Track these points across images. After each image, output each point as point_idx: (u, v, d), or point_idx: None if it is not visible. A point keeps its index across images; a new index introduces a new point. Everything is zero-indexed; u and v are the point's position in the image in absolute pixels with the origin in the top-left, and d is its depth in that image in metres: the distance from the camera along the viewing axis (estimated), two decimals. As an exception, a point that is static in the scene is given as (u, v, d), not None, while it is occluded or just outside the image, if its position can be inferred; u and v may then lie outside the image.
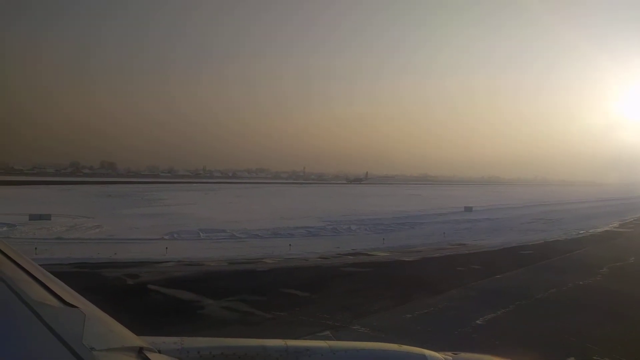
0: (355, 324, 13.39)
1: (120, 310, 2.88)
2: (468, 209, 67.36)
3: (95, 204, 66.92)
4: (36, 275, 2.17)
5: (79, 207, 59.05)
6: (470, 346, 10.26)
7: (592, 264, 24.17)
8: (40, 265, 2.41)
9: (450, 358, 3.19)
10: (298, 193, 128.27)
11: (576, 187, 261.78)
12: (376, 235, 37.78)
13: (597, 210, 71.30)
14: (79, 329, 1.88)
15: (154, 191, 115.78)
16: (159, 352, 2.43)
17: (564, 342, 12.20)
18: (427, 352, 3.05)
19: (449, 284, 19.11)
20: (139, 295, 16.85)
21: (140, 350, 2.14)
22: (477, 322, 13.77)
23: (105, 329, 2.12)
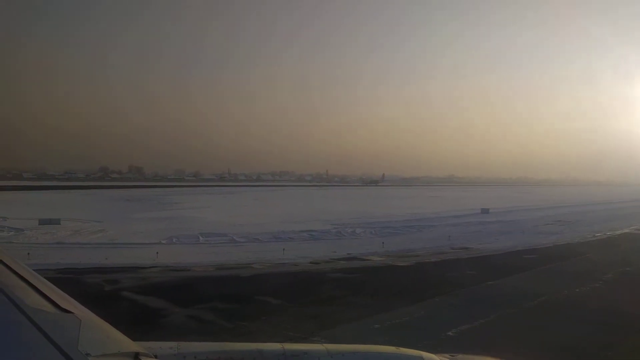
0: (316, 336, 12.67)
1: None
2: (485, 211, 65.62)
3: (111, 208, 67.99)
4: (31, 281, 2.14)
5: (94, 211, 60.01)
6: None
7: (596, 269, 22.75)
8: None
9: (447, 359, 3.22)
10: (315, 196, 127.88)
11: (608, 188, 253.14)
12: (380, 238, 36.85)
13: (622, 212, 68.26)
14: (74, 335, 1.88)
15: (174, 195, 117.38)
16: (155, 357, 2.43)
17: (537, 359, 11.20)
18: (425, 355, 3.04)
19: (434, 291, 18.17)
20: (108, 302, 16.49)
21: (136, 356, 2.14)
22: (449, 333, 12.88)
23: (101, 334, 2.12)
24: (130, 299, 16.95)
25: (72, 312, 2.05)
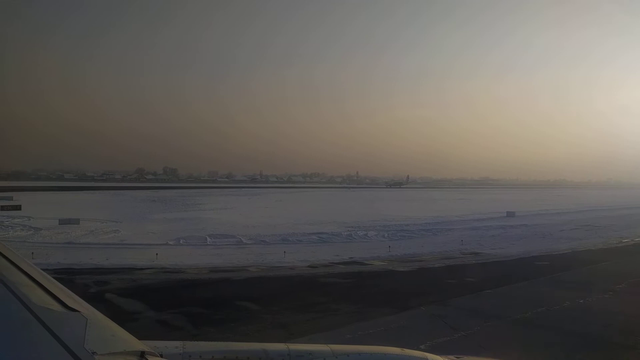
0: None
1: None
2: (511, 214, 63.39)
3: (134, 209, 69.45)
4: (38, 280, 2.15)
5: (116, 211, 61.45)
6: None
7: (610, 278, 21.14)
8: None
9: None
10: (339, 197, 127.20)
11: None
12: (390, 242, 35.92)
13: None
14: (81, 333, 1.89)
15: (201, 196, 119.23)
16: (161, 356, 2.44)
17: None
18: (430, 356, 3.05)
19: (424, 299, 17.23)
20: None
21: (142, 355, 2.16)
22: (421, 346, 12.01)
23: (107, 333, 2.13)
24: (110, 301, 16.80)
25: (79, 311, 2.07)
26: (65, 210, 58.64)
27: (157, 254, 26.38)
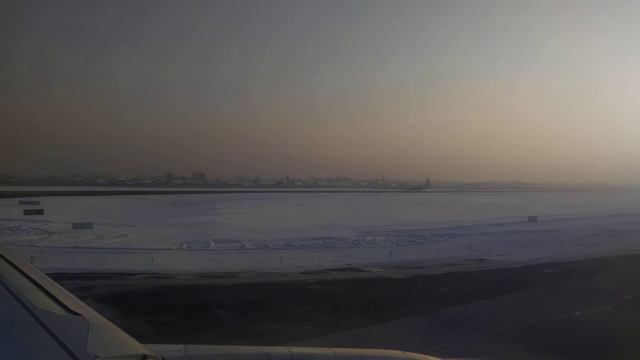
0: None
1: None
2: (533, 219, 61.16)
3: (151, 213, 70.37)
4: (40, 283, 2.14)
5: (133, 216, 62.26)
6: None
7: (618, 288, 19.73)
8: None
9: None
10: (361, 202, 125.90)
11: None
12: (397, 247, 34.98)
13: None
14: (83, 337, 1.89)
15: (223, 200, 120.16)
16: (163, 359, 2.47)
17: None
18: (432, 359, 3.01)
19: (408, 309, 16.42)
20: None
21: (144, 358, 2.17)
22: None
23: (110, 336, 2.14)
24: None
25: (81, 315, 2.05)
26: (85, 215, 59.99)
27: (152, 259, 26.32)
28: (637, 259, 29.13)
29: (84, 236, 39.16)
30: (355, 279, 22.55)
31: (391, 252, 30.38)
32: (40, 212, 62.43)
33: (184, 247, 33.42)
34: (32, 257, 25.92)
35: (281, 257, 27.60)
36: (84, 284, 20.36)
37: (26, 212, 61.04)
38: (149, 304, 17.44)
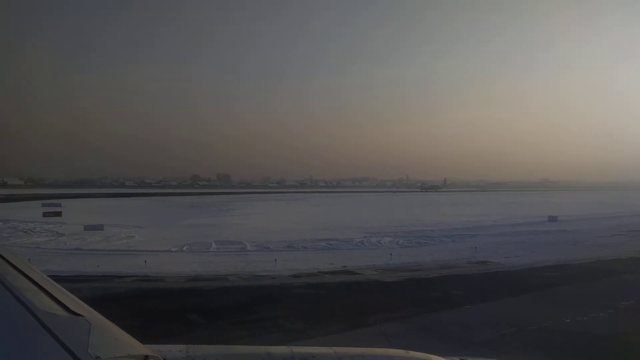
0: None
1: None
2: (552, 219, 59.01)
3: (167, 215, 71.19)
4: (42, 284, 2.15)
5: (147, 217, 63.06)
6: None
7: (620, 293, 18.46)
8: None
9: None
10: (380, 202, 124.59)
11: None
12: (401, 249, 34.14)
13: None
14: (84, 338, 1.89)
15: (241, 201, 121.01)
16: None
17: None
18: (434, 357, 3.04)
19: (387, 315, 15.68)
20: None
21: (145, 359, 2.17)
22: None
23: (111, 337, 2.13)
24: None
25: (82, 315, 2.06)
26: (102, 217, 61.09)
27: (145, 261, 26.28)
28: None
29: (92, 238, 39.64)
30: (345, 282, 21.88)
31: (390, 254, 29.51)
32: (58, 214, 63.79)
33: (184, 248, 33.35)
34: (29, 259, 26.34)
35: (275, 260, 27.13)
36: (69, 286, 20.01)
37: (45, 215, 62.45)
38: (125, 307, 17.17)
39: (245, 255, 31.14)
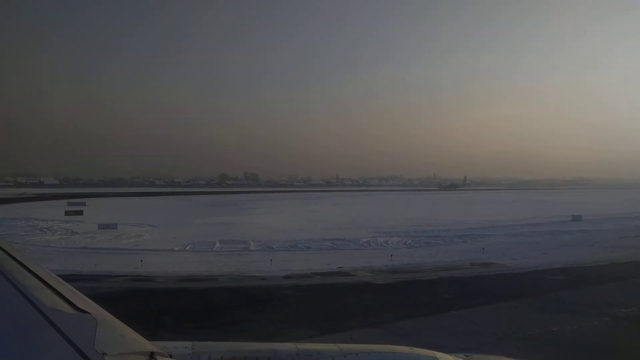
0: None
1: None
2: (576, 218, 56.66)
3: (184, 214, 71.90)
4: (48, 281, 2.17)
5: (164, 216, 63.74)
6: None
7: (623, 300, 17.13)
8: None
9: None
10: (401, 201, 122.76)
11: None
12: (407, 249, 33.32)
13: None
14: (91, 335, 1.91)
15: (262, 200, 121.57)
16: (170, 356, 2.48)
17: None
18: (439, 355, 3.02)
19: (366, 320, 15.01)
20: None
21: (151, 355, 2.20)
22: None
23: (117, 334, 2.15)
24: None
25: (89, 312, 2.07)
26: (120, 215, 62.21)
27: (141, 260, 26.32)
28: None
29: (102, 237, 40.27)
30: (334, 284, 21.23)
31: (391, 255, 28.67)
32: (79, 213, 65.43)
33: (187, 248, 33.37)
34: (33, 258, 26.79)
35: (271, 260, 26.72)
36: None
37: (67, 213, 64.23)
38: (105, 307, 17.09)
39: (246, 255, 30.89)
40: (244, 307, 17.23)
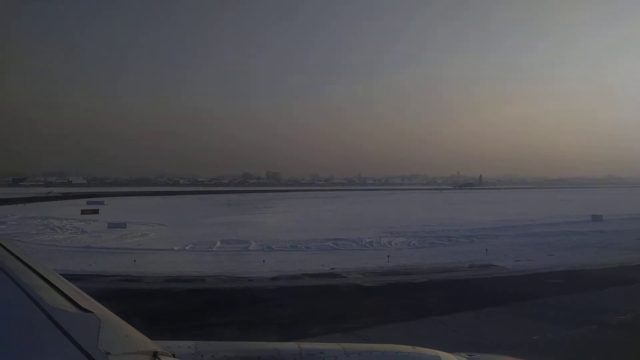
0: None
1: None
2: (596, 218, 54.56)
3: (197, 213, 72.39)
4: (52, 281, 2.18)
5: (175, 216, 64.36)
6: None
7: (620, 306, 16.07)
8: None
9: (465, 359, 3.22)
10: (418, 200, 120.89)
11: None
12: (409, 250, 32.47)
13: None
14: (94, 334, 1.93)
15: (278, 199, 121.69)
16: (174, 356, 2.51)
17: None
18: (442, 354, 3.03)
19: (336, 326, 14.34)
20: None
21: (155, 355, 2.20)
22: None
23: (121, 333, 2.16)
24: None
25: (92, 312, 2.08)
26: (133, 215, 63.21)
27: (134, 260, 26.32)
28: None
29: (109, 236, 40.68)
30: (319, 286, 20.63)
31: (388, 256, 27.88)
32: (96, 212, 66.63)
33: (187, 248, 33.27)
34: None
35: (264, 261, 26.33)
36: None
37: (83, 212, 65.47)
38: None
39: (243, 255, 30.57)
40: (219, 309, 16.83)
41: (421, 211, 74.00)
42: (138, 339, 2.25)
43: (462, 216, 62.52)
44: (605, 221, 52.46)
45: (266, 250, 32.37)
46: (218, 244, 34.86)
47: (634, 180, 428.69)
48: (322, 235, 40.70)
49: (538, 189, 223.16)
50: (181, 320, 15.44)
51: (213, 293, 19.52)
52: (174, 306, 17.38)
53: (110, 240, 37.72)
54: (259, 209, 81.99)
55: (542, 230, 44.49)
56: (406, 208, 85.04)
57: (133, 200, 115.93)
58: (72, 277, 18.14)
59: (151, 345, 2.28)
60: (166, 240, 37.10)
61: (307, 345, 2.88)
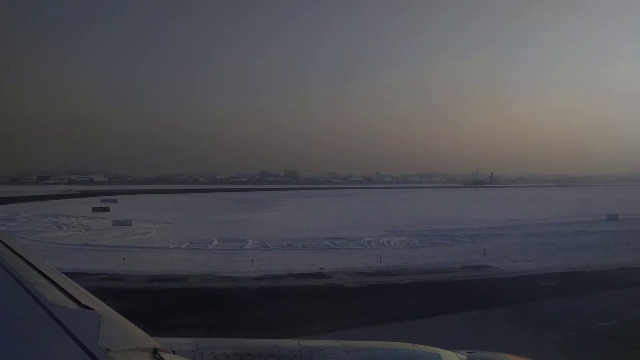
0: None
1: None
2: (612, 218, 52.71)
3: (205, 210, 72.64)
4: (52, 277, 2.19)
5: (183, 213, 64.74)
6: None
7: (611, 310, 15.24)
8: None
9: (465, 357, 3.25)
10: (431, 198, 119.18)
11: None
12: (407, 250, 31.78)
13: None
14: (94, 331, 1.92)
15: (290, 197, 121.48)
16: (174, 352, 2.48)
17: None
18: (441, 351, 3.07)
19: (304, 329, 13.89)
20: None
21: (155, 351, 2.19)
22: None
23: (121, 330, 2.16)
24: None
25: (92, 308, 2.08)
26: (143, 212, 63.65)
27: (124, 258, 26.28)
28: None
29: (111, 233, 40.98)
30: (301, 286, 20.19)
31: (380, 256, 27.24)
32: (106, 209, 67.40)
33: (183, 246, 33.15)
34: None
35: (252, 260, 26.00)
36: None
37: (94, 210, 66.28)
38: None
39: (236, 254, 30.24)
40: (189, 311, 16.55)
41: (432, 209, 72.82)
42: (138, 336, 2.24)
43: (473, 215, 61.22)
44: (621, 220, 50.65)
45: (262, 249, 32.08)
46: (215, 242, 34.70)
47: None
48: (323, 233, 40.28)
49: (558, 187, 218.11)
50: (149, 320, 15.11)
51: (190, 293, 19.30)
52: (146, 306, 17.17)
53: (111, 238, 37.93)
54: (269, 207, 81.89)
55: (552, 230, 43.12)
56: (417, 206, 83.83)
57: (148, 198, 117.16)
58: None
59: (151, 341, 2.26)
60: (165, 239, 37.09)
61: (306, 342, 2.91)
